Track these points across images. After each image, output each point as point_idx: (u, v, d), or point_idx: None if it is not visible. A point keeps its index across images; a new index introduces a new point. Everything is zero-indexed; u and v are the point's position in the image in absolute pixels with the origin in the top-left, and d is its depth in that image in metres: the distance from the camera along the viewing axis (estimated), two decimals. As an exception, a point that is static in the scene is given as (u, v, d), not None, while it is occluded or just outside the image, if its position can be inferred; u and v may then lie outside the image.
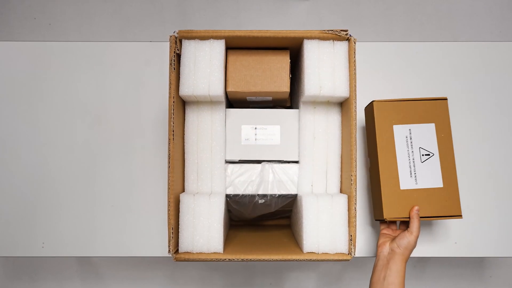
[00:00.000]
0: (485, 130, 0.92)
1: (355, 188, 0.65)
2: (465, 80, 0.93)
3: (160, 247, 0.88)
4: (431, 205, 0.75)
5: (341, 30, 0.65)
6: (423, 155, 0.76)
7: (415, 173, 0.75)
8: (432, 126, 0.76)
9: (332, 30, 0.65)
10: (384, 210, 0.74)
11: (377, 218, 0.79)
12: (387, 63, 0.94)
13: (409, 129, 0.76)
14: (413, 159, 0.76)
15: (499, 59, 0.94)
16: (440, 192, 0.75)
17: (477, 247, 0.89)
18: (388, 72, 0.94)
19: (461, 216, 0.75)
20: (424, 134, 0.76)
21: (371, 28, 1.79)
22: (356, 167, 0.65)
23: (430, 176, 0.75)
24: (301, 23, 1.80)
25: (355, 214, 0.65)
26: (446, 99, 0.77)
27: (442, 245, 0.89)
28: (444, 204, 0.75)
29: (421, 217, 0.74)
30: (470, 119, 0.92)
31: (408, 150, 0.76)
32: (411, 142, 0.76)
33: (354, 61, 0.65)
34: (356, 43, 0.90)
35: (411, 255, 0.81)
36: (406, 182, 0.75)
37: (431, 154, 0.76)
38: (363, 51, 0.92)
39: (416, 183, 0.75)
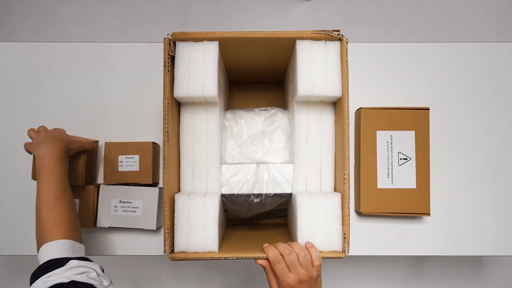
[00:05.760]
0: (485, 130, 0.92)
1: (348, 187, 0.65)
2: (464, 80, 0.94)
3: (161, 246, 0.89)
4: (404, 203, 0.84)
5: (333, 30, 0.66)
6: (401, 159, 0.84)
7: (392, 175, 0.84)
8: (412, 133, 0.85)
9: (324, 30, 0.66)
10: (361, 205, 0.84)
11: (356, 210, 0.87)
12: (386, 64, 0.94)
13: (391, 135, 0.84)
14: (392, 162, 0.84)
15: (497, 59, 0.94)
16: (412, 193, 0.84)
17: (474, 245, 0.90)
18: (387, 72, 0.94)
19: (429, 214, 0.84)
20: (404, 140, 0.84)
21: (370, 29, 1.79)
22: (349, 166, 0.65)
23: (405, 178, 0.84)
24: (301, 24, 1.81)
25: (349, 213, 0.65)
26: (428, 109, 0.85)
27: (440, 244, 0.90)
28: (415, 203, 0.84)
29: (393, 213, 0.84)
30: (469, 119, 0.93)
31: (388, 154, 0.84)
32: (391, 147, 0.84)
33: (346, 60, 0.65)
34: (355, 44, 0.91)
35: (410, 254, 0.87)
36: (383, 182, 0.84)
37: (408, 159, 0.84)
38: (362, 52, 0.93)
39: (392, 183, 0.84)
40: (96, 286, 0.58)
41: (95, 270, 0.61)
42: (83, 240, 0.88)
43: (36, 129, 0.80)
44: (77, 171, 0.83)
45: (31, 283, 0.57)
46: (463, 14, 1.78)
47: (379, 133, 0.84)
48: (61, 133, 0.77)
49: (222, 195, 0.73)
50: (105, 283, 0.62)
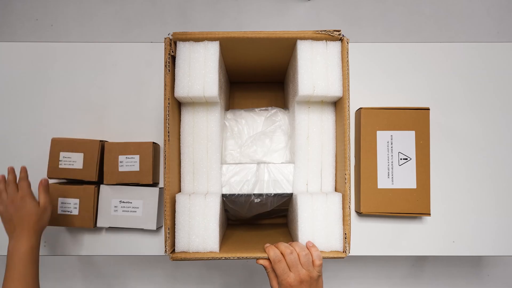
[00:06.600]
0: (485, 130, 0.92)
1: (349, 187, 0.65)
2: (464, 80, 0.94)
3: (161, 246, 0.89)
4: (404, 203, 0.84)
5: (334, 30, 0.66)
6: (401, 159, 0.84)
7: (392, 175, 0.84)
8: (412, 133, 0.85)
9: (325, 31, 0.66)
10: (361, 205, 0.84)
11: (357, 210, 0.87)
12: (386, 64, 0.94)
13: (391, 135, 0.85)
14: (392, 162, 0.84)
15: (497, 59, 0.94)
16: (412, 192, 0.84)
17: (475, 246, 0.90)
18: (387, 72, 0.94)
19: (429, 214, 0.84)
20: (404, 140, 0.85)
21: (370, 29, 1.79)
22: (350, 166, 0.65)
23: (405, 178, 0.84)
24: (301, 24, 1.81)
25: (350, 213, 0.65)
26: (428, 109, 0.85)
27: (440, 244, 0.90)
28: (415, 203, 0.84)
29: (394, 213, 0.84)
30: (469, 119, 0.93)
31: (388, 154, 0.84)
32: (392, 147, 0.84)
33: (347, 61, 0.65)
34: (356, 44, 0.91)
35: (410, 254, 0.87)
36: (383, 182, 0.84)
37: (408, 159, 0.85)
38: (362, 52, 0.93)
39: (392, 183, 0.84)
40: None
41: None
42: (83, 240, 0.89)
43: (6, 177, 0.75)
44: (92, 165, 0.84)
45: None
46: (463, 14, 1.78)
47: (379, 133, 0.85)
48: (29, 213, 0.72)
49: (223, 195, 0.73)
50: None
